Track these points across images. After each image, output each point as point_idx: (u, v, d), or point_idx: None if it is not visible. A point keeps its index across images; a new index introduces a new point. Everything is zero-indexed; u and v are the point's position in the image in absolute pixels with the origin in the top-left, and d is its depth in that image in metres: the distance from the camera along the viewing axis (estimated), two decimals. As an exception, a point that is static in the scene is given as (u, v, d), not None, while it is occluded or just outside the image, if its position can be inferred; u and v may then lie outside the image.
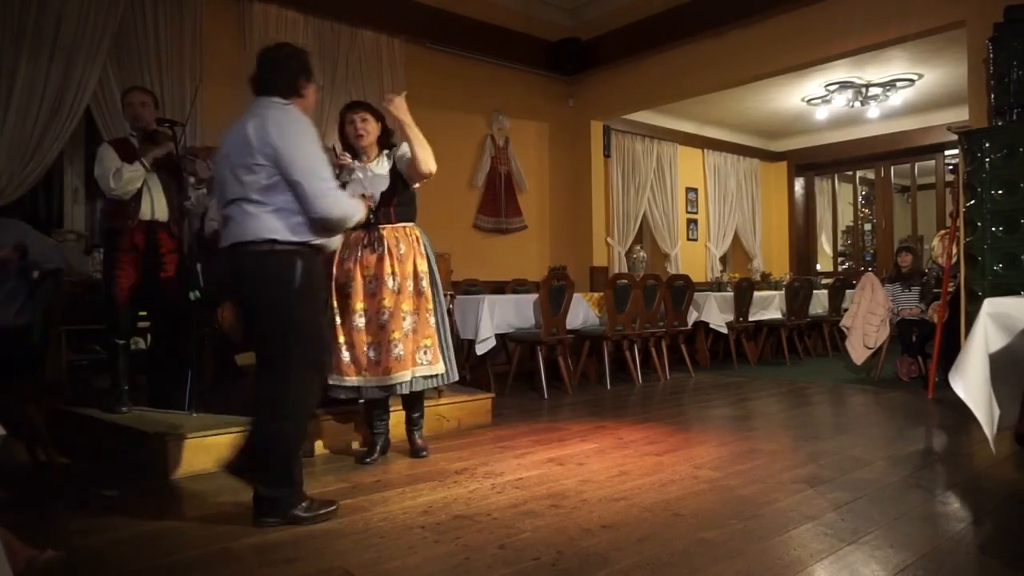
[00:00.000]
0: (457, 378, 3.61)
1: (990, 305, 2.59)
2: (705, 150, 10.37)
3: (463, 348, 5.91)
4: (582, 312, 6.05)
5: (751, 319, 7.36)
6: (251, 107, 2.61)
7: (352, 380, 3.35)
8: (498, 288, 6.84)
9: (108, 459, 3.51)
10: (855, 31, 6.15)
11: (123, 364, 3.84)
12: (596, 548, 2.25)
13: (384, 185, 3.41)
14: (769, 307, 7.69)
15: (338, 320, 3.34)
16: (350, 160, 3.38)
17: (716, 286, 8.12)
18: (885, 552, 2.19)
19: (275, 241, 2.50)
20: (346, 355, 3.34)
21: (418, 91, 6.96)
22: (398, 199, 3.44)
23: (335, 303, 3.36)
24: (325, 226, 2.60)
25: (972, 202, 4.71)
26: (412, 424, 3.65)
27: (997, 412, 2.53)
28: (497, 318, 5.43)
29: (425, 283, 3.43)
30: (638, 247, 8.73)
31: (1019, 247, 4.49)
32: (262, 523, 2.51)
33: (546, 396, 5.44)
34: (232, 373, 5.09)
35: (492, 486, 2.99)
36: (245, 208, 2.51)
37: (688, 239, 10.11)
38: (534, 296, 5.73)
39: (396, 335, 3.32)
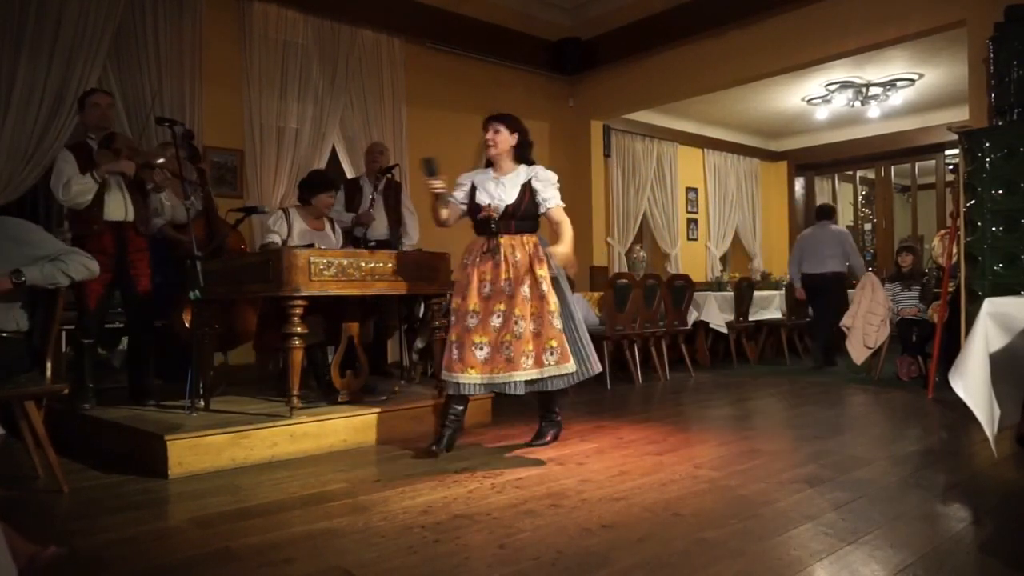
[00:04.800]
0: (597, 370, 3.60)
1: (990, 305, 2.59)
2: (705, 150, 10.37)
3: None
4: (582, 312, 6.02)
5: (751, 319, 7.36)
6: (823, 224, 6.96)
7: (468, 376, 3.41)
8: (498, 288, 6.82)
9: (108, 459, 3.51)
10: (855, 31, 6.15)
11: (88, 363, 4.01)
12: (596, 548, 2.25)
13: (512, 198, 3.51)
14: (769, 307, 7.69)
15: (452, 319, 3.48)
16: (439, 186, 3.48)
17: (716, 286, 8.13)
18: (885, 552, 2.19)
19: (843, 272, 6.56)
20: (455, 353, 3.44)
21: (418, 91, 6.98)
22: (523, 213, 3.53)
23: (455, 304, 3.50)
24: None
25: (972, 202, 4.71)
26: (544, 420, 3.78)
27: (997, 412, 2.53)
28: (497, 318, 5.37)
29: (546, 287, 3.46)
30: (638, 247, 8.73)
31: (1019, 247, 4.50)
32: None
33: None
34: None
35: (492, 486, 2.99)
36: (832, 260, 6.71)
37: (688, 239, 10.11)
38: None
39: (507, 337, 3.40)
